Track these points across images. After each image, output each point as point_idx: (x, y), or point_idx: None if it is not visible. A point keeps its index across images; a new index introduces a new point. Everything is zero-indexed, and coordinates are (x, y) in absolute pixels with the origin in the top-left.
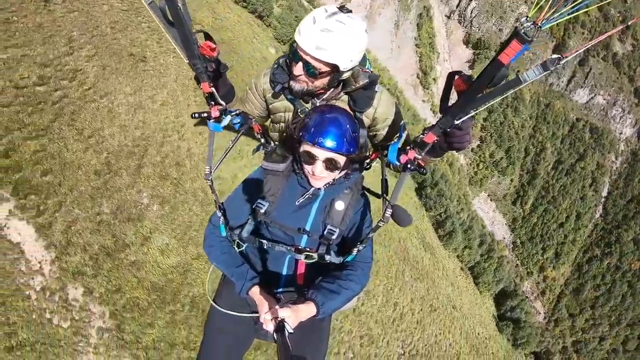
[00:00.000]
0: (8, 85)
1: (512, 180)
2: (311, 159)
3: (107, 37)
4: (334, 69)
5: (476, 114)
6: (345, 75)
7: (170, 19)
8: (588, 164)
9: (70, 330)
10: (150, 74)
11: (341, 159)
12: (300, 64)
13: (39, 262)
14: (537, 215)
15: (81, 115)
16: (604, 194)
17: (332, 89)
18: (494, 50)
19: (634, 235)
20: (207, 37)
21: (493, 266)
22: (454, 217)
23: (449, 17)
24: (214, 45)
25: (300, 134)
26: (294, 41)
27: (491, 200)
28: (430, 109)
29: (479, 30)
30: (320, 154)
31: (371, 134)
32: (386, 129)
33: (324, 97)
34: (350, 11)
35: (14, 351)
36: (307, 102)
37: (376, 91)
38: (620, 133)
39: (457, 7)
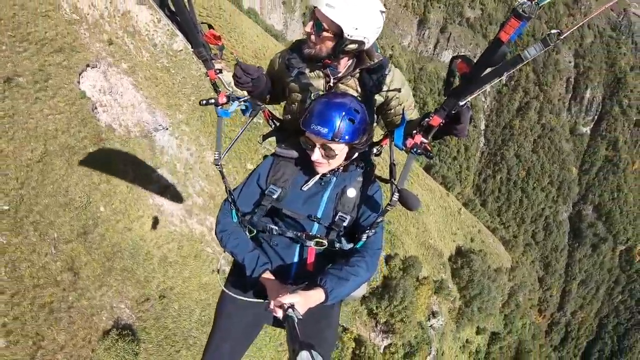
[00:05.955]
0: None
1: None
2: (310, 145)
3: None
4: (339, 32)
5: (478, 94)
6: (350, 47)
7: (172, 8)
8: None
9: None
10: None
11: (337, 147)
12: (311, 22)
13: None
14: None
15: None
16: (482, 127)
17: (347, 65)
18: None
19: (514, 151)
20: (210, 28)
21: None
22: None
23: None
24: (218, 34)
25: (301, 120)
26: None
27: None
28: None
29: None
30: (316, 141)
31: (384, 115)
32: (397, 109)
33: (339, 72)
34: None
35: None
36: (321, 79)
37: (386, 73)
38: None
39: None
